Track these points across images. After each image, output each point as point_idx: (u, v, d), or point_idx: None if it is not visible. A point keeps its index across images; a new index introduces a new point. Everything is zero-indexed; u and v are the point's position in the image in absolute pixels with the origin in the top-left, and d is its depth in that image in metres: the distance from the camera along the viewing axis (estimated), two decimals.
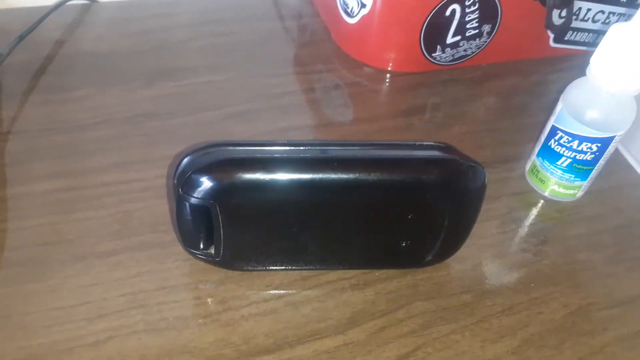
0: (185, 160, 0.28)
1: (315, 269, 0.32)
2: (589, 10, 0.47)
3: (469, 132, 0.43)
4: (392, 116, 0.44)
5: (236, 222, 0.29)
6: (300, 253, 0.31)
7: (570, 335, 0.31)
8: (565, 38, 0.49)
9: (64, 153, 0.37)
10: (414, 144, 0.30)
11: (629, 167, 0.42)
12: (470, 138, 0.43)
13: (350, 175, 0.28)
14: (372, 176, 0.28)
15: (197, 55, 0.47)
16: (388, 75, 0.47)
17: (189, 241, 0.30)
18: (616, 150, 0.43)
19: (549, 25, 0.46)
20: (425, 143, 0.30)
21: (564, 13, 0.46)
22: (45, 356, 0.28)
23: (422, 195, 0.29)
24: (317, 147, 0.28)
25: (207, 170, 0.27)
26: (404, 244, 0.31)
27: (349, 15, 0.45)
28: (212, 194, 0.27)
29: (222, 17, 0.51)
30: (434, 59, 0.46)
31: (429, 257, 0.32)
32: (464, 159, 0.29)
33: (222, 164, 0.27)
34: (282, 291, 0.32)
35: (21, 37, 0.42)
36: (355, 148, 0.29)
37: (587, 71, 0.33)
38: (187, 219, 0.28)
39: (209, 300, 0.31)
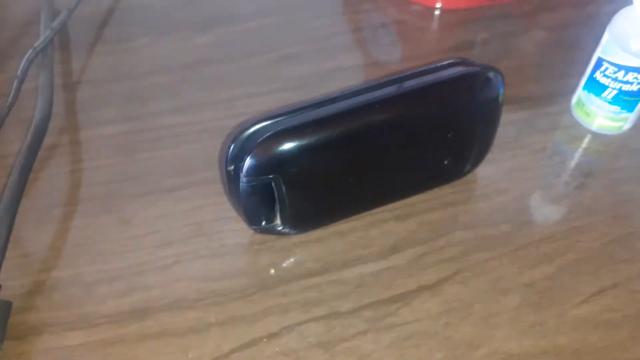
0: (234, 146, 0.29)
1: (372, 210, 0.34)
2: None
3: (518, 66, 0.43)
4: (440, 53, 0.45)
5: (298, 187, 0.30)
6: (358, 199, 0.33)
7: (607, 262, 0.32)
8: None
9: (127, 99, 0.41)
10: (436, 67, 0.31)
11: None
12: (518, 72, 0.43)
13: (393, 113, 0.30)
14: (413, 107, 0.30)
15: (247, 1, 0.48)
16: (435, 12, 0.48)
17: (256, 220, 0.31)
18: None
19: None
20: (445, 62, 0.31)
21: None
22: (120, 277, 0.32)
23: (458, 112, 0.31)
24: (352, 97, 0.29)
25: (262, 149, 0.28)
26: (446, 162, 0.33)
27: None
28: (274, 168, 0.28)
29: None
30: None
31: (468, 167, 0.34)
32: (484, 68, 0.31)
33: (275, 138, 0.28)
34: None
35: None
36: (389, 86, 0.30)
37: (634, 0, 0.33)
38: (253, 200, 0.30)
39: None
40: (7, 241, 0.31)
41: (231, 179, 0.30)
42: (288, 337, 0.30)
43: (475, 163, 0.35)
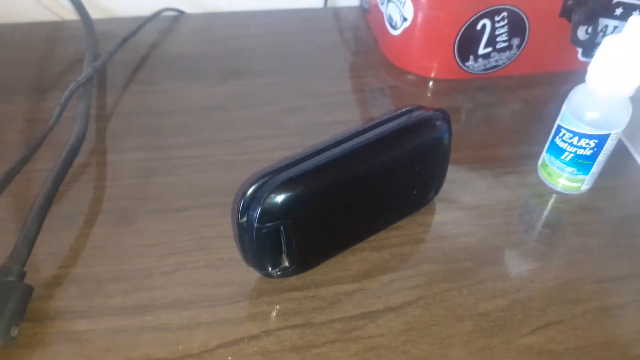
0: (244, 201, 0.32)
1: (363, 242, 0.39)
2: (615, 27, 0.52)
3: (495, 130, 0.49)
4: None
5: (304, 229, 0.34)
6: (350, 234, 0.38)
7: (555, 301, 0.37)
8: (594, 52, 0.53)
9: (151, 132, 0.47)
10: (400, 113, 0.37)
11: (638, 168, 0.46)
12: (495, 136, 0.48)
13: (374, 156, 0.35)
14: (389, 149, 0.36)
15: (263, 60, 0.55)
16: (426, 81, 0.54)
17: (267, 265, 0.35)
18: (627, 152, 0.47)
19: (574, 40, 0.51)
20: (404, 109, 0.38)
21: (590, 29, 0.51)
22: (128, 278, 0.37)
23: (420, 149, 0.37)
24: (337, 145, 0.35)
25: (271, 198, 0.32)
26: (415, 192, 0.39)
27: (394, 27, 0.53)
28: (283, 214, 0.32)
29: (287, 29, 0.60)
30: (468, 67, 0.52)
31: (431, 194, 0.41)
32: (437, 111, 0.38)
33: (281, 188, 0.32)
34: None
35: (124, 40, 0.52)
36: (366, 133, 0.35)
37: (586, 78, 0.39)
38: (266, 246, 0.34)
39: None
40: (35, 237, 0.36)
41: (244, 229, 0.33)
42: (266, 339, 0.34)
43: (436, 191, 0.41)
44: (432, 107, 0.38)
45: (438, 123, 0.37)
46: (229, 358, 0.33)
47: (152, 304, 0.35)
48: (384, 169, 0.36)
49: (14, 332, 0.32)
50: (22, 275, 0.34)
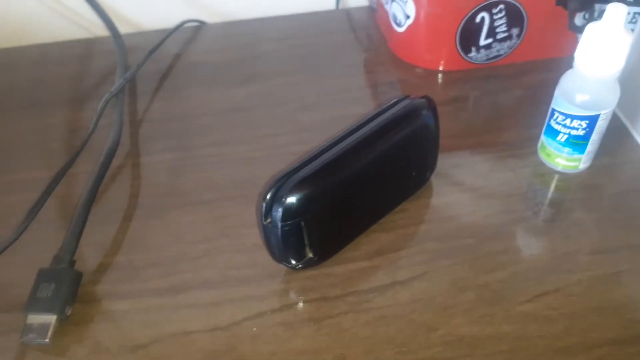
0: (265, 204, 0.36)
1: (372, 226, 0.43)
2: None
3: (497, 117, 0.52)
4: (437, 105, 0.54)
5: (322, 221, 0.38)
6: (362, 220, 0.42)
7: (552, 272, 0.40)
8: None
9: (178, 134, 0.51)
10: (393, 103, 0.41)
11: (637, 146, 0.48)
12: (497, 122, 0.51)
13: (375, 146, 0.39)
14: (387, 138, 0.39)
15: (279, 63, 0.59)
16: (434, 74, 0.57)
17: (293, 259, 0.39)
18: (626, 131, 0.49)
19: (572, 27, 0.53)
20: (395, 100, 0.41)
21: (587, 15, 0.53)
22: (162, 264, 0.41)
23: (416, 133, 0.41)
24: (340, 142, 0.38)
25: (291, 198, 0.35)
26: (414, 173, 0.43)
27: (398, 25, 0.56)
28: (302, 210, 0.36)
29: (301, 32, 0.63)
30: (471, 58, 0.55)
31: (428, 174, 0.44)
32: (422, 98, 0.41)
33: (297, 188, 0.36)
34: None
35: (150, 52, 0.57)
36: (364, 127, 0.39)
37: (574, 63, 0.41)
38: (290, 241, 0.37)
39: None
40: (81, 231, 0.41)
41: (269, 230, 0.37)
42: (287, 312, 0.38)
43: (432, 170, 0.45)
44: (417, 95, 0.42)
45: (424, 111, 0.41)
46: (254, 329, 0.37)
47: (184, 285, 0.40)
48: (383, 157, 0.39)
49: (68, 311, 0.37)
50: (72, 263, 0.39)
